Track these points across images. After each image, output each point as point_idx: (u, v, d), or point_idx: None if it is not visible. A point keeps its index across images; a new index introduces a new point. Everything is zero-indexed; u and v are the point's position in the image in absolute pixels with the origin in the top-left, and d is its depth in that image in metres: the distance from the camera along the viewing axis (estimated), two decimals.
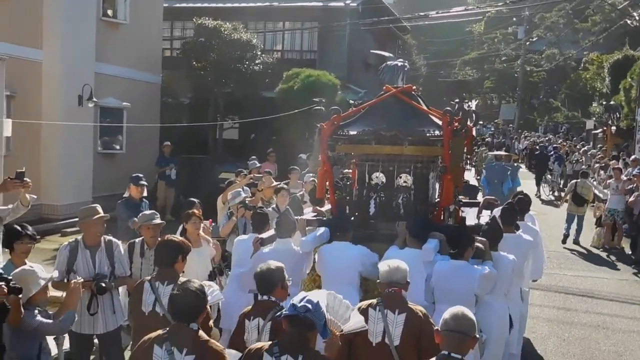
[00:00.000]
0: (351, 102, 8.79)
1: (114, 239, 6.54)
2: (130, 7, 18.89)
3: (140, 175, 9.63)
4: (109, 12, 18.63)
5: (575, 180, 16.70)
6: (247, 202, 9.01)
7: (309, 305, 3.70)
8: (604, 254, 14.86)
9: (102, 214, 6.36)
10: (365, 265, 6.35)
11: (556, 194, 23.98)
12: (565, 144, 30.96)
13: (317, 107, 7.82)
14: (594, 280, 12.42)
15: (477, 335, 3.73)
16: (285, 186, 10.20)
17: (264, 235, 6.84)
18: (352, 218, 7.18)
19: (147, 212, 7.38)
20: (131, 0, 18.88)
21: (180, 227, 8.10)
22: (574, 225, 15.95)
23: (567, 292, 11.43)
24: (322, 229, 6.79)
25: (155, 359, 3.89)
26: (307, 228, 7.08)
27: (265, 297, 4.78)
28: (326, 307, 3.93)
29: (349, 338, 4.53)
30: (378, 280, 4.91)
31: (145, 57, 20.04)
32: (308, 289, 6.35)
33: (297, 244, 6.58)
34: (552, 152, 26.40)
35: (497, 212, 7.55)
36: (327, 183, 7.37)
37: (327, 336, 3.87)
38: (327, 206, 7.80)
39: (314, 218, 7.39)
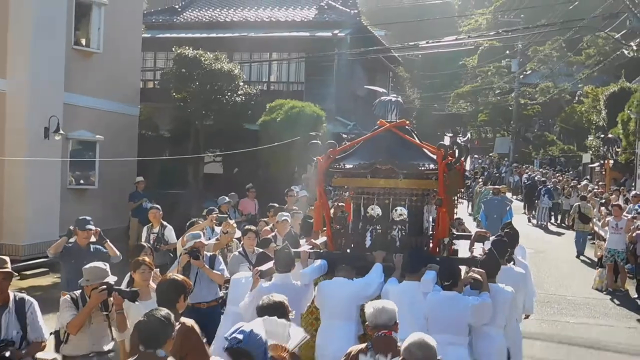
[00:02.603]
0: (344, 135, 8.31)
1: (27, 297, 5.44)
2: (105, 36, 17.98)
3: (88, 218, 8.49)
4: (82, 40, 17.73)
5: (577, 203, 19.40)
6: (196, 249, 7.85)
7: (240, 336, 3.67)
8: (607, 298, 13.69)
9: (8, 268, 5.28)
10: (368, 296, 6.34)
11: (542, 223, 25.14)
12: (562, 177, 30.09)
13: (313, 141, 7.70)
14: (600, 328, 11.28)
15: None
16: (252, 227, 9.11)
17: (263, 267, 6.75)
18: (348, 250, 7.25)
19: (99, 266, 6.14)
20: (106, 29, 17.98)
21: (128, 276, 7.02)
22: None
23: (571, 343, 10.28)
24: (320, 261, 6.82)
25: None
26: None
27: None
28: (266, 333, 3.86)
29: None
30: (366, 322, 4.86)
31: (122, 88, 19.10)
32: (306, 321, 6.74)
33: (295, 278, 6.53)
34: (541, 186, 26.73)
35: (487, 245, 7.62)
36: (324, 215, 7.40)
37: None
38: (322, 239, 7.71)
39: (311, 251, 7.24)
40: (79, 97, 17.03)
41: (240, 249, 8.82)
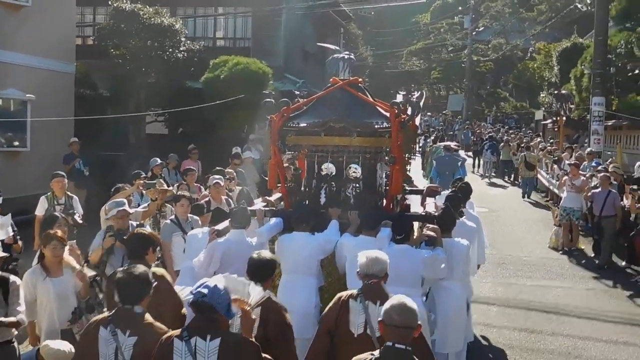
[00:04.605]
0: (297, 92, 8.48)
1: None
2: None
3: None
4: None
5: (523, 154, 22.09)
6: (122, 231, 6.87)
7: (205, 290, 3.74)
8: (564, 257, 13.32)
9: None
10: (327, 250, 6.50)
11: (487, 176, 27.13)
12: (514, 135, 29.97)
13: (267, 99, 7.44)
14: (557, 291, 10.80)
15: (420, 322, 3.81)
16: (186, 193, 8.34)
17: (219, 226, 6.73)
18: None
19: None
20: None
21: (39, 251, 6.22)
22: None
23: (529, 308, 9.78)
24: (275, 219, 6.89)
25: (100, 340, 4.03)
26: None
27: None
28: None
29: (330, 330, 4.78)
30: (357, 270, 4.90)
31: (55, 44, 17.78)
32: None
33: (250, 235, 6.56)
34: (486, 141, 28.16)
35: (439, 199, 7.98)
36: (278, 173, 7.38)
37: (230, 316, 3.85)
38: (276, 195, 7.86)
39: (267, 209, 7.34)
40: (6, 53, 15.79)
41: (173, 217, 8.05)
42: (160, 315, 4.87)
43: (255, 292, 4.30)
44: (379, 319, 3.84)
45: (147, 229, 5.96)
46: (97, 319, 4.18)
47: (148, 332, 4.01)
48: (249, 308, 4.11)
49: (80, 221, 9.83)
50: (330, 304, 4.91)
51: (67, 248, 6.07)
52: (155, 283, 4.36)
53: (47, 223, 6.76)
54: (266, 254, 4.95)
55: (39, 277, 5.84)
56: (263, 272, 4.79)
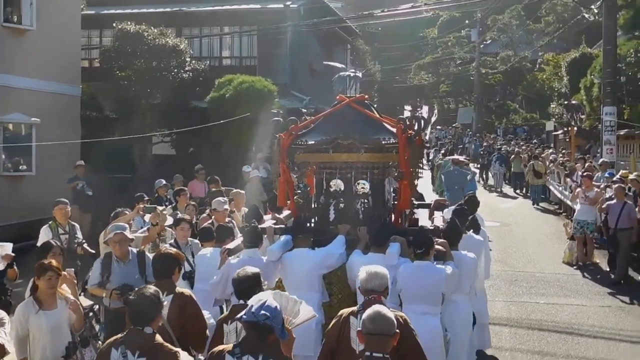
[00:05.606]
0: (304, 110, 8.06)
1: None
2: (38, 13, 16.60)
3: None
4: (13, 17, 16.37)
5: (531, 162, 22.96)
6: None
7: (268, 313, 3.75)
8: (577, 273, 12.99)
9: None
10: (329, 265, 6.53)
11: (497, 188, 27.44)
12: (525, 147, 29.72)
13: (275, 118, 7.68)
14: (572, 309, 10.47)
15: (398, 330, 3.87)
16: (186, 217, 8.15)
17: (230, 245, 6.76)
18: (312, 224, 7.37)
19: None
20: (39, 5, 16.60)
21: (31, 282, 6.01)
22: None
23: (542, 328, 9.45)
24: (285, 237, 6.91)
25: None
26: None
27: (241, 302, 4.73)
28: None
29: (331, 347, 4.74)
30: (358, 286, 4.93)
31: (60, 67, 17.76)
32: None
33: (263, 253, 6.60)
34: (494, 153, 28.67)
35: (447, 212, 7.92)
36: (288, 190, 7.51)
37: (285, 338, 3.86)
38: (285, 212, 7.91)
39: (276, 226, 7.37)
40: (10, 77, 15.77)
41: (172, 241, 7.85)
42: (184, 335, 5.09)
43: (305, 312, 4.21)
44: (358, 329, 3.93)
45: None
46: (110, 341, 4.18)
47: (157, 353, 4.06)
48: (291, 328, 4.07)
49: (93, 251, 9.38)
50: (332, 322, 4.89)
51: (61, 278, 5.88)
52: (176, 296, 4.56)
53: (41, 252, 6.53)
54: (250, 269, 4.88)
55: (31, 310, 5.58)
56: (248, 287, 4.72)
